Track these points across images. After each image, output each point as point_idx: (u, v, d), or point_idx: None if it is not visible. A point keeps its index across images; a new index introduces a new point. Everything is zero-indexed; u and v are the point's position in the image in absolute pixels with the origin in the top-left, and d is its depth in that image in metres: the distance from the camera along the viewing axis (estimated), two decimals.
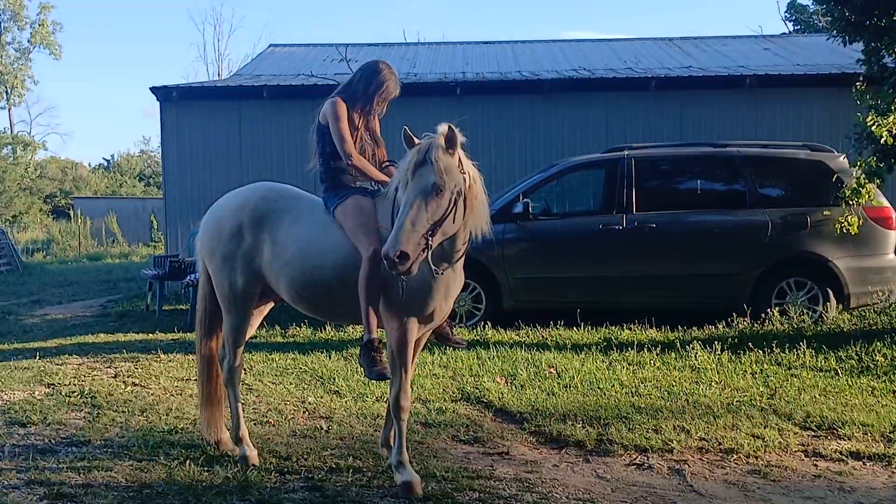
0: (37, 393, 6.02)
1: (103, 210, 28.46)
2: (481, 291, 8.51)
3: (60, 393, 5.97)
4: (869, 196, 7.86)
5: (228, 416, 4.60)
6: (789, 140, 9.97)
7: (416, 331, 4.02)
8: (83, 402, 5.73)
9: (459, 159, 3.77)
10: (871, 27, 7.70)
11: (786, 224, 8.27)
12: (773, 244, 8.25)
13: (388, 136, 4.57)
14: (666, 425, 5.07)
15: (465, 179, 3.77)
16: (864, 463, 4.54)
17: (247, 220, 4.32)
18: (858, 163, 7.76)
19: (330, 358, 7.09)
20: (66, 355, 7.47)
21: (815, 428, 5.10)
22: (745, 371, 6.55)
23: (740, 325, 7.96)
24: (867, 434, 4.95)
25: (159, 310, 10.40)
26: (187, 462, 4.36)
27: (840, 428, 5.03)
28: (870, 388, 6.03)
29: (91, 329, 9.33)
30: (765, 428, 5.04)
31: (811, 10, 25.16)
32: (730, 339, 7.41)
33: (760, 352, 7.00)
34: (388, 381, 4.04)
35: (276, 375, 6.53)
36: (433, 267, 3.78)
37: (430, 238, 3.64)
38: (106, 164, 49.19)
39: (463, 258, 4.00)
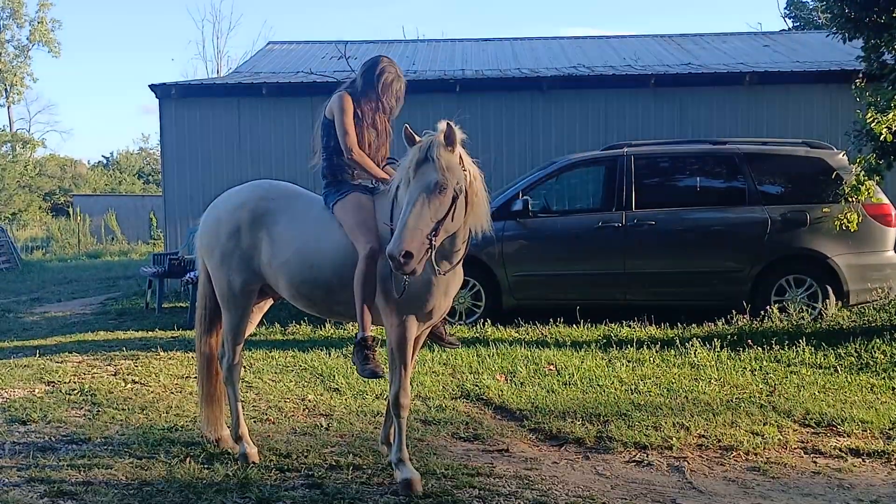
0: (37, 391, 6.02)
1: (102, 208, 28.44)
2: (481, 289, 8.51)
3: (60, 391, 5.98)
4: (868, 193, 7.86)
5: (228, 413, 4.60)
6: (789, 137, 9.96)
7: (416, 328, 4.02)
8: (83, 399, 5.73)
9: (460, 157, 3.76)
10: (871, 24, 7.70)
11: (785, 221, 8.27)
12: (773, 241, 8.26)
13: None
14: (665, 422, 5.07)
15: (465, 177, 3.76)
16: (863, 460, 4.55)
17: (245, 219, 4.32)
18: (858, 160, 7.76)
19: (330, 355, 7.09)
20: (66, 353, 7.47)
21: (814, 425, 5.11)
22: (745, 368, 6.55)
23: (740, 323, 7.97)
24: (866, 431, 4.96)
25: (159, 307, 10.41)
26: (187, 459, 4.37)
27: (839, 425, 5.04)
28: (869, 385, 6.04)
29: (91, 327, 9.33)
30: (764, 425, 5.04)
31: (811, 7, 25.15)
32: (729, 337, 7.42)
33: (760, 349, 7.00)
34: (381, 378, 4.04)
35: (275, 373, 6.53)
36: (436, 267, 3.77)
37: (433, 237, 3.63)
38: (105, 161, 49.15)
39: (464, 257, 3.99)
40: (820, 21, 20.26)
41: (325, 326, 8.33)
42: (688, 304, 8.49)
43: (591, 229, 8.44)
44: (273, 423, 5.19)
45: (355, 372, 6.28)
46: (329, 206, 4.25)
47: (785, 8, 27.76)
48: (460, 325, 8.38)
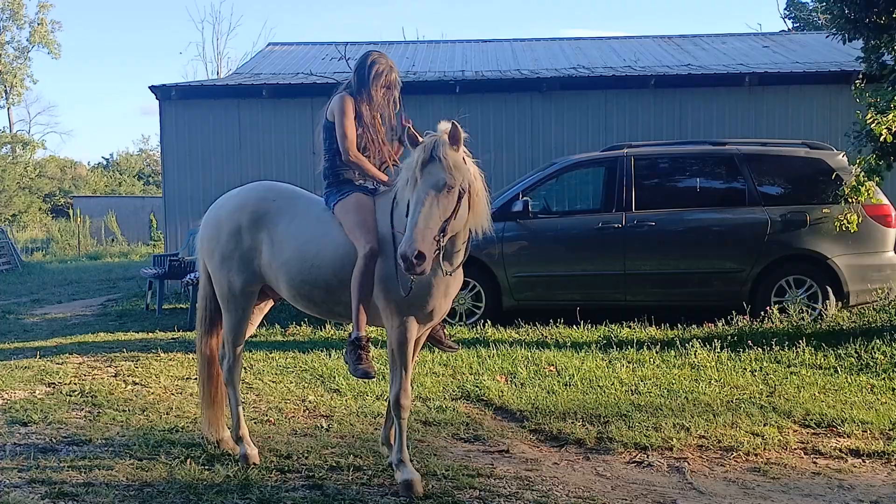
0: (37, 392, 6.02)
1: (103, 209, 28.47)
2: (481, 290, 8.52)
3: (61, 392, 5.98)
4: (868, 194, 7.86)
5: (229, 414, 4.61)
6: (789, 138, 9.97)
7: (416, 329, 4.02)
8: (84, 401, 5.74)
9: (463, 156, 3.77)
10: (871, 24, 7.70)
11: (785, 222, 8.28)
12: (773, 242, 8.26)
13: None
14: (666, 423, 5.08)
15: (469, 176, 3.77)
16: (863, 460, 4.55)
17: (245, 220, 4.32)
18: (858, 160, 7.77)
19: (330, 356, 7.09)
20: (67, 354, 7.48)
21: (814, 425, 5.11)
22: (745, 369, 6.56)
23: (740, 323, 7.97)
24: (866, 431, 4.96)
25: (159, 309, 10.41)
26: (188, 461, 4.37)
27: (839, 425, 5.04)
28: (869, 386, 6.04)
29: (91, 328, 9.33)
30: (764, 426, 5.05)
31: (811, 8, 25.16)
32: (729, 337, 7.42)
33: (760, 350, 7.00)
34: (372, 379, 4.04)
35: (276, 374, 6.54)
36: (443, 267, 3.77)
37: (442, 237, 3.63)
38: (105, 162, 49.20)
39: (465, 257, 3.98)
40: (820, 22, 20.26)
41: (325, 328, 8.33)
42: (688, 304, 8.49)
43: (592, 230, 8.44)
44: (273, 424, 5.19)
45: None
46: (330, 206, 4.25)
47: (785, 9, 27.80)
48: (460, 325, 8.38)
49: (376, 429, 4.95)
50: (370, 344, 4.07)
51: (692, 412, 5.35)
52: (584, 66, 13.53)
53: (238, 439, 4.47)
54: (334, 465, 4.35)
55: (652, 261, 8.40)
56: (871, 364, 6.60)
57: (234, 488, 3.99)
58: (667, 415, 5.29)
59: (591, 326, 8.11)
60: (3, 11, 44.42)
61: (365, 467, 4.33)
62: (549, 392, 5.91)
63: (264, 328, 8.25)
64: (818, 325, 7.85)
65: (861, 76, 8.57)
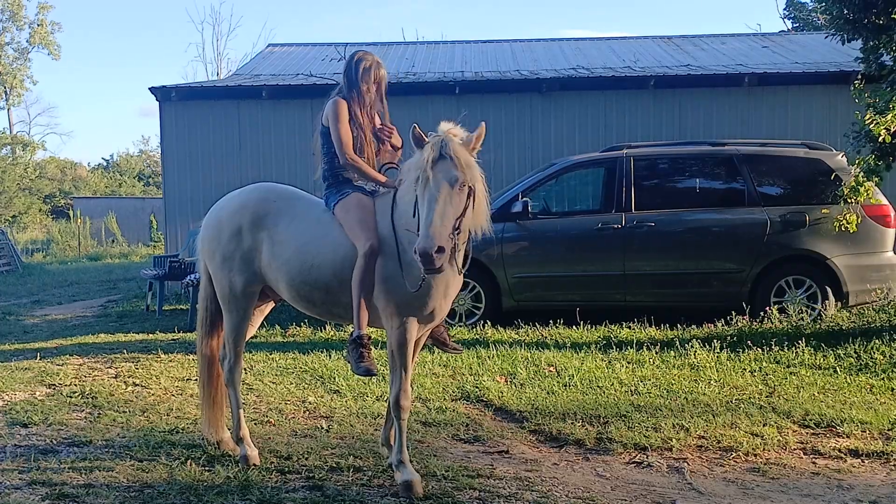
0: (38, 393, 6.03)
1: (103, 210, 28.47)
2: (481, 290, 8.52)
3: (61, 393, 5.99)
4: (867, 194, 7.87)
5: (229, 415, 4.62)
6: (788, 138, 9.98)
7: (416, 330, 4.03)
8: (84, 402, 5.74)
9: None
10: (870, 25, 7.71)
11: (784, 222, 8.28)
12: (772, 242, 8.27)
13: None
14: (665, 423, 5.08)
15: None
16: (862, 460, 4.56)
17: (246, 220, 4.34)
18: (857, 161, 7.78)
19: (330, 357, 7.10)
20: (67, 356, 7.48)
21: (813, 426, 5.12)
22: (744, 369, 6.56)
23: (739, 324, 7.98)
24: (866, 431, 4.97)
25: (159, 310, 10.42)
26: (188, 462, 4.37)
27: (839, 425, 5.05)
28: (868, 386, 6.05)
29: (91, 329, 9.34)
30: (764, 426, 5.05)
31: (810, 8, 25.15)
32: (729, 338, 7.42)
33: (759, 350, 7.01)
34: (375, 376, 4.05)
35: (276, 375, 6.54)
36: (456, 266, 3.79)
37: (455, 234, 3.65)
38: (105, 163, 49.20)
39: (462, 257, 3.99)
40: (819, 22, 20.28)
41: (325, 329, 8.34)
42: (687, 305, 8.50)
43: (591, 231, 8.45)
44: (274, 425, 5.20)
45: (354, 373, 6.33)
46: (330, 206, 4.26)
47: (784, 9, 27.79)
48: (460, 326, 8.39)
49: (376, 430, 4.96)
50: (371, 342, 4.07)
51: (692, 412, 5.36)
52: (584, 67, 13.54)
53: (238, 440, 4.48)
54: (334, 465, 4.36)
55: (651, 261, 8.41)
56: (871, 364, 6.61)
57: (235, 489, 4.00)
58: (666, 415, 5.30)
59: (591, 327, 8.11)
60: (3, 13, 44.47)
61: (365, 468, 4.34)
62: (548, 392, 5.92)
63: (265, 329, 8.25)
64: (817, 326, 7.86)
65: (860, 77, 8.57)
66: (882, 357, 6.73)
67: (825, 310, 8.14)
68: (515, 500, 3.93)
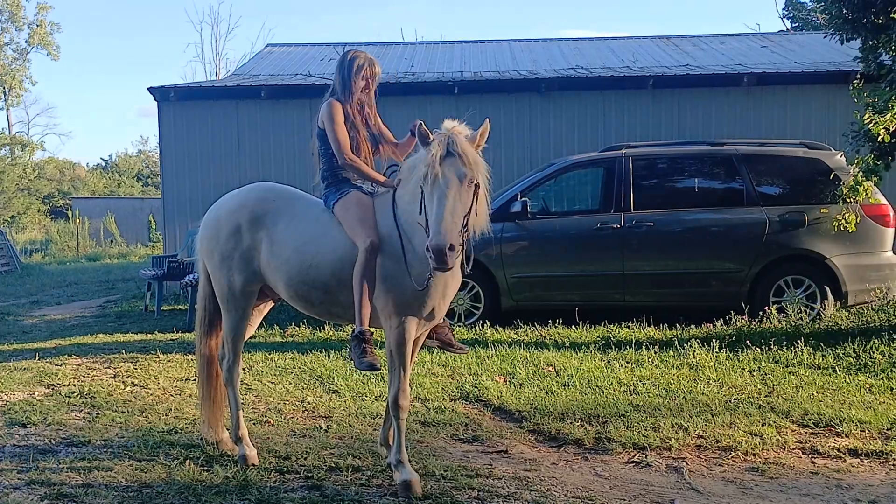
0: (36, 393, 6.03)
1: (101, 210, 28.47)
2: (480, 290, 8.52)
3: (60, 393, 5.98)
4: (866, 194, 7.87)
5: (228, 415, 4.61)
6: (787, 138, 9.99)
7: (415, 330, 4.03)
8: (83, 402, 5.74)
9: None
10: (869, 24, 7.71)
11: (783, 222, 8.29)
12: (771, 242, 8.27)
13: None
14: (664, 423, 5.08)
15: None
16: (861, 460, 4.56)
17: (245, 220, 4.34)
18: (856, 160, 7.78)
19: (329, 357, 7.10)
20: (66, 356, 7.48)
21: (812, 425, 5.12)
22: (743, 369, 6.56)
23: (738, 323, 7.98)
24: (865, 431, 4.96)
25: (158, 310, 10.41)
26: (187, 462, 4.37)
27: (838, 425, 5.05)
28: (867, 386, 6.04)
29: (90, 329, 9.34)
30: (762, 425, 5.05)
31: (809, 8, 25.16)
32: (728, 337, 7.42)
33: (758, 349, 7.01)
34: (378, 371, 4.05)
35: (275, 375, 6.54)
36: (462, 265, 3.79)
37: (464, 231, 3.64)
38: (104, 164, 49.21)
39: (461, 257, 3.98)
40: (818, 22, 20.29)
41: (324, 329, 8.34)
42: (686, 305, 8.50)
43: (590, 231, 8.45)
44: (272, 425, 5.20)
45: (354, 374, 6.33)
46: (329, 206, 4.26)
47: (783, 9, 27.81)
48: (459, 326, 8.38)
49: (375, 429, 4.95)
50: (374, 338, 4.07)
51: (690, 412, 5.36)
52: (583, 67, 13.54)
53: (237, 440, 4.48)
54: (333, 465, 4.36)
55: (650, 261, 8.41)
56: (870, 364, 6.61)
57: (233, 489, 3.99)
58: (665, 415, 5.30)
59: (590, 327, 8.11)
60: (2, 13, 44.43)
61: (364, 468, 4.33)
62: (547, 392, 5.91)
63: (263, 329, 8.25)
64: (816, 325, 7.86)
65: (859, 76, 8.57)
66: (881, 357, 6.73)
67: (824, 309, 8.14)
68: (514, 499, 3.93)
